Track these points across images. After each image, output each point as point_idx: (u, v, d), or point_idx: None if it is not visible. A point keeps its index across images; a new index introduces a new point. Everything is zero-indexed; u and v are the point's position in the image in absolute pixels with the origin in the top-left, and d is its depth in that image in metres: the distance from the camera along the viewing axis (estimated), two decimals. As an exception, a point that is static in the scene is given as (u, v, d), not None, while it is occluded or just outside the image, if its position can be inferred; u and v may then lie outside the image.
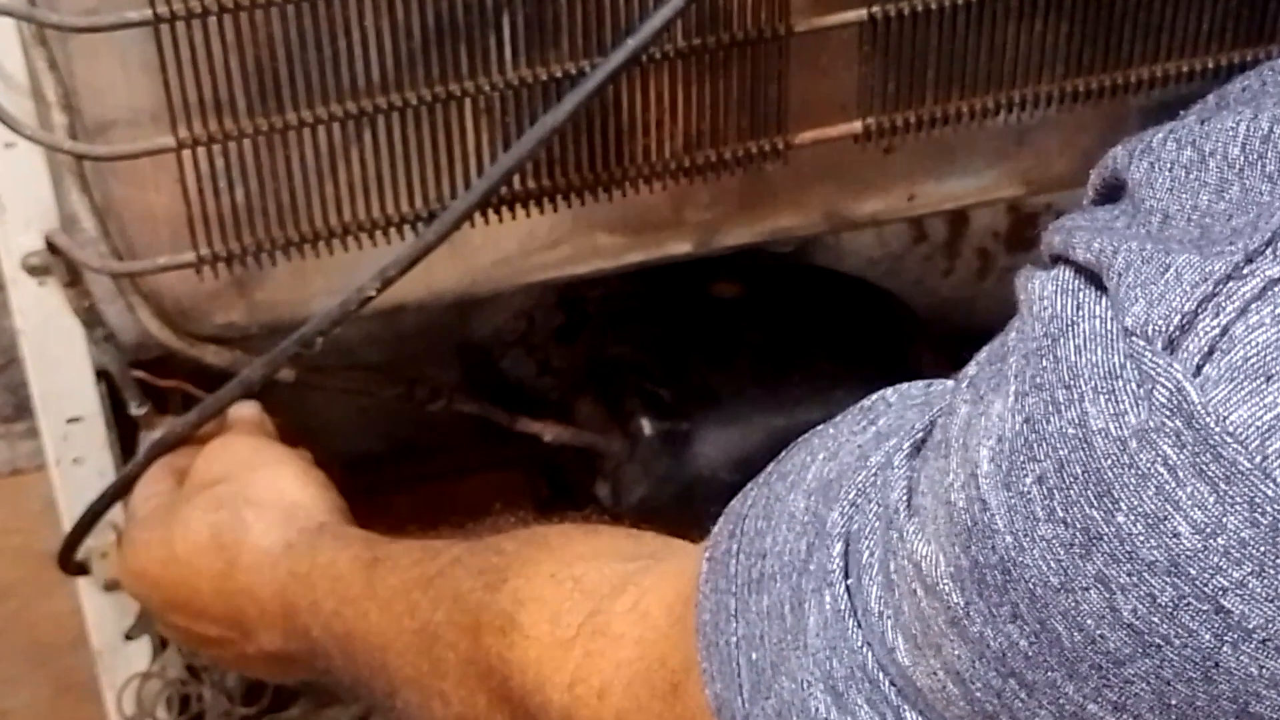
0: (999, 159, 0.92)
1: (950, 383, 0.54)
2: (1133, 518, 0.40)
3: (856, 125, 0.87)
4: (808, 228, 0.92)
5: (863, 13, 0.83)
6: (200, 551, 0.82)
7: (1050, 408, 0.42)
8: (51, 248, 0.83)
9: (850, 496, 0.50)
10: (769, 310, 1.04)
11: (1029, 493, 0.42)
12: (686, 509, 0.96)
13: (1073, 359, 0.41)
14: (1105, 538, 0.40)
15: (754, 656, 0.52)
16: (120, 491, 0.90)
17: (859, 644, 0.48)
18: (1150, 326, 0.40)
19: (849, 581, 0.49)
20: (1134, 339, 0.40)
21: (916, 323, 1.08)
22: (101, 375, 0.89)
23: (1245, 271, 0.39)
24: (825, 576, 0.50)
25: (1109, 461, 0.40)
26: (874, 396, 0.55)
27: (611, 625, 0.60)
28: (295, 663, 0.81)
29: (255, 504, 0.82)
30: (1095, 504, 0.40)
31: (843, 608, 0.49)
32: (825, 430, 0.55)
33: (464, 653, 0.67)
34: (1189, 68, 0.88)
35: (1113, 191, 0.47)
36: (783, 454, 0.57)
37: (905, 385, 0.56)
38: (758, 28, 0.82)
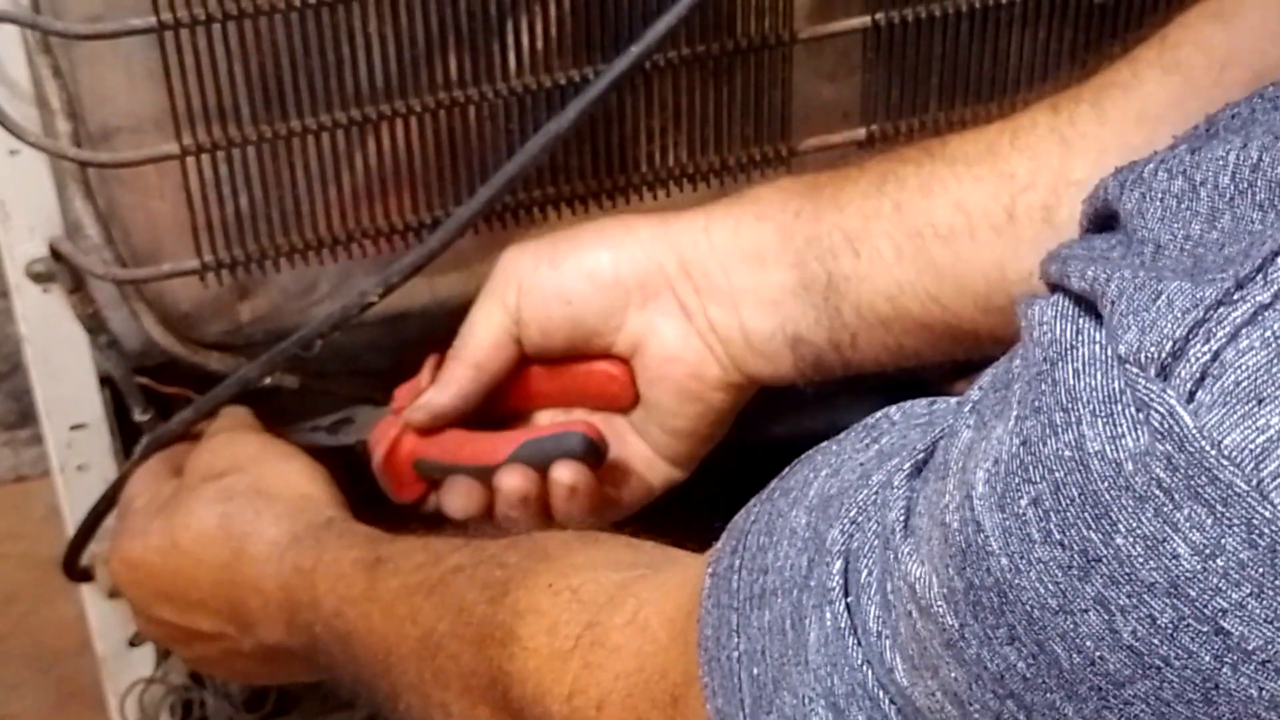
0: (1002, 165, 0.92)
1: (955, 400, 0.55)
2: (1131, 540, 0.40)
3: (860, 132, 0.87)
4: (811, 234, 0.92)
5: (866, 19, 0.83)
6: (206, 541, 0.81)
7: (1048, 430, 0.42)
8: (55, 255, 0.83)
9: (851, 514, 0.50)
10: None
11: (1024, 514, 0.42)
12: (690, 515, 0.95)
13: (1071, 383, 0.42)
14: (1104, 560, 0.40)
15: (755, 672, 0.52)
16: (120, 494, 0.90)
17: (859, 662, 0.48)
18: (1143, 354, 0.40)
19: (849, 599, 0.49)
20: (1128, 366, 0.40)
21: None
22: (105, 382, 0.89)
23: (1236, 297, 0.39)
24: (825, 594, 0.50)
25: (1105, 484, 0.40)
26: (878, 414, 0.55)
27: (610, 637, 0.60)
28: (293, 658, 0.80)
29: (266, 494, 0.82)
30: (1093, 526, 0.40)
31: (843, 625, 0.49)
32: (829, 447, 0.56)
33: (467, 665, 0.67)
34: (1192, 74, 0.88)
35: (1104, 221, 0.47)
36: (786, 470, 0.57)
37: (909, 403, 0.55)
38: (761, 34, 0.82)
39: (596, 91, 0.77)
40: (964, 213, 0.72)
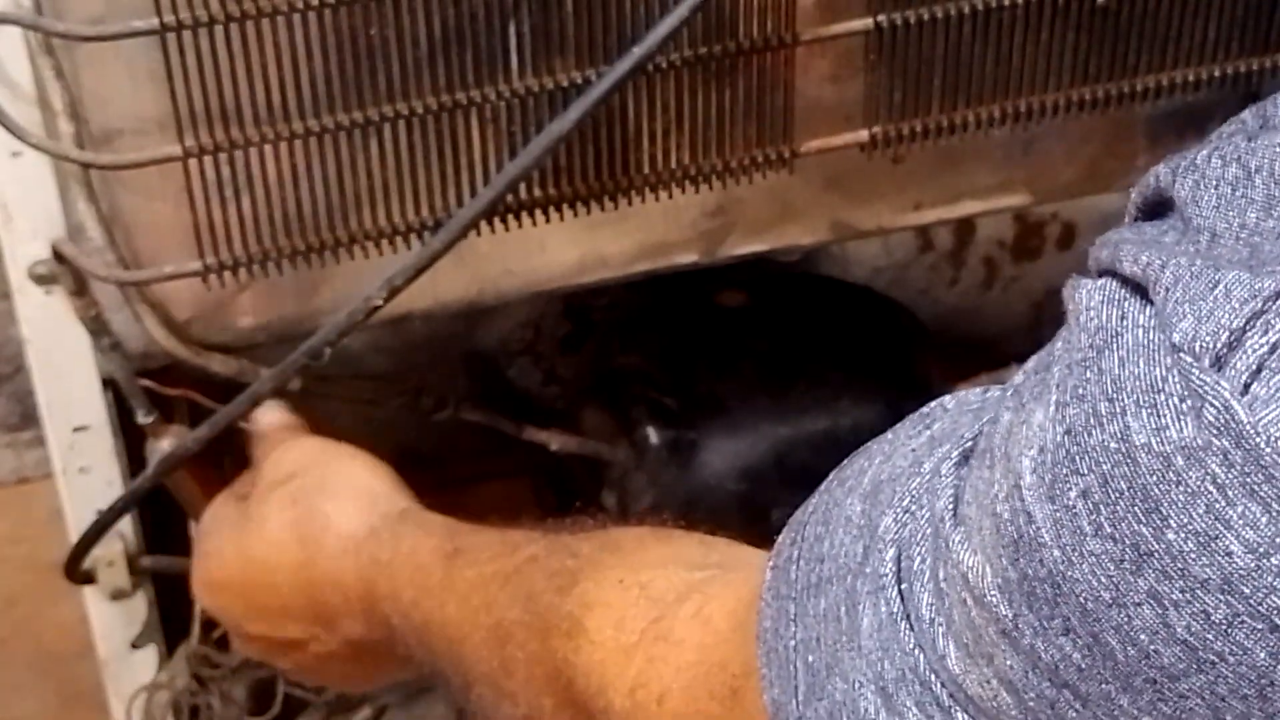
0: (1005, 168, 0.92)
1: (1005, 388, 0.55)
2: (1183, 535, 0.39)
3: (863, 134, 0.87)
4: (814, 237, 0.92)
5: (869, 21, 0.83)
6: (279, 547, 0.82)
7: (1092, 420, 0.41)
8: (58, 256, 0.83)
9: (904, 502, 0.50)
10: (775, 319, 1.04)
11: (1074, 506, 0.42)
12: (692, 517, 0.96)
13: (1116, 371, 0.41)
14: (1156, 554, 0.40)
15: (810, 659, 0.52)
16: (129, 505, 0.90)
17: (911, 647, 0.48)
18: (1198, 343, 0.40)
19: (902, 586, 0.49)
20: (1181, 355, 0.40)
21: (922, 332, 1.08)
22: (108, 384, 0.89)
23: None
24: (879, 580, 0.50)
25: (1154, 478, 0.40)
26: (933, 403, 0.55)
27: (674, 631, 0.61)
28: (378, 651, 0.81)
29: (332, 495, 0.83)
30: (1144, 520, 0.40)
31: (895, 611, 0.49)
32: (885, 436, 0.55)
33: (532, 654, 0.67)
34: (1195, 76, 0.88)
35: (1155, 209, 0.47)
36: (845, 461, 0.57)
37: (964, 391, 0.55)
38: (764, 36, 0.82)
39: (599, 93, 0.77)
40: None
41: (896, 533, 0.50)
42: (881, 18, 0.83)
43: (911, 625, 0.48)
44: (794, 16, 0.82)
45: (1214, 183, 0.44)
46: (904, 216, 0.93)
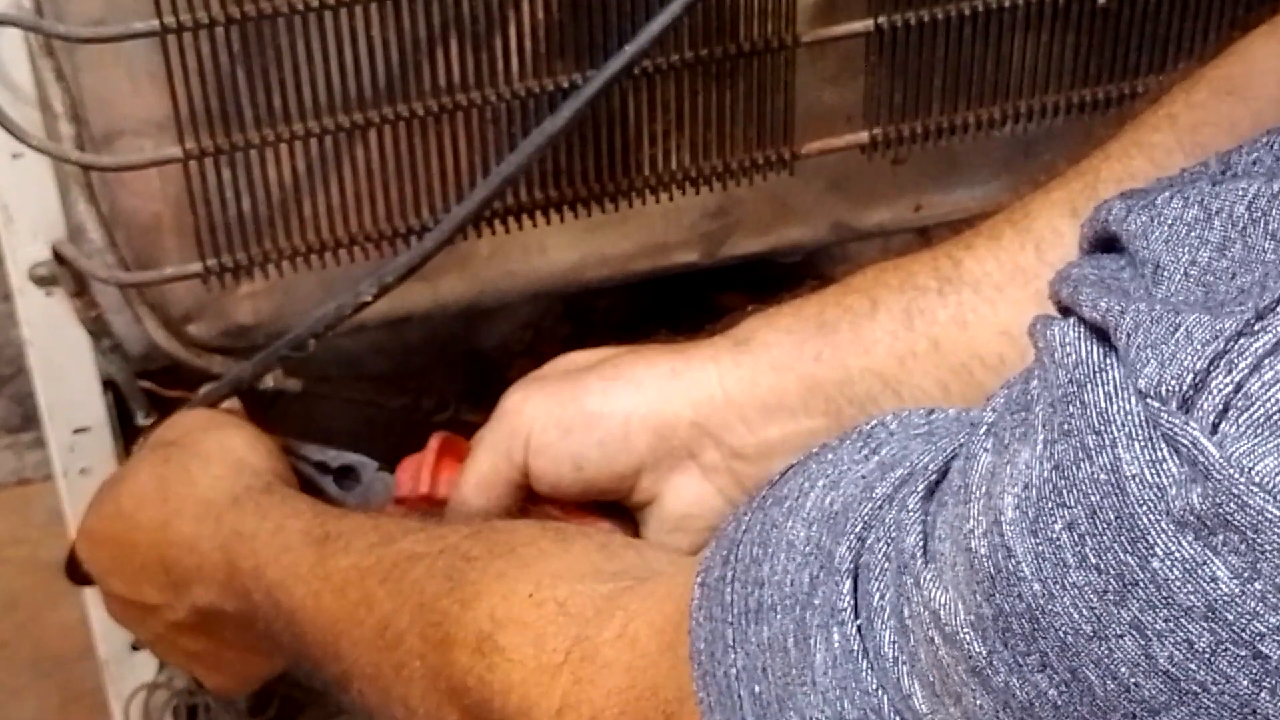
0: (1006, 169, 0.92)
1: (953, 411, 0.54)
2: (1169, 563, 0.39)
3: (863, 135, 0.87)
4: (814, 238, 0.92)
5: (869, 23, 0.83)
6: (144, 503, 0.82)
7: (1080, 454, 0.41)
8: (58, 258, 0.83)
9: (856, 530, 0.50)
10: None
11: (1058, 539, 0.41)
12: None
13: (1102, 405, 0.41)
14: (1141, 583, 0.40)
15: (757, 689, 0.51)
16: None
17: (872, 686, 0.48)
18: (1163, 387, 0.40)
19: (859, 621, 0.48)
20: (1149, 400, 0.40)
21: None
22: (108, 385, 0.89)
23: (1256, 328, 0.39)
24: (835, 614, 0.49)
25: (1144, 508, 0.40)
26: (874, 421, 0.55)
27: (600, 651, 0.60)
28: (229, 624, 0.80)
29: (203, 460, 0.82)
30: (1130, 549, 0.40)
31: (854, 648, 0.48)
32: (824, 455, 0.55)
33: (431, 665, 0.66)
34: (1195, 78, 0.88)
35: (1104, 244, 0.47)
36: (777, 477, 0.56)
37: (906, 411, 0.55)
38: (764, 38, 0.82)
39: (591, 91, 0.77)
40: (1011, 338, 0.70)
41: (851, 562, 0.49)
42: (882, 19, 0.83)
43: (872, 663, 0.48)
44: (794, 18, 0.82)
45: (1168, 220, 0.44)
46: (904, 218, 0.93)
